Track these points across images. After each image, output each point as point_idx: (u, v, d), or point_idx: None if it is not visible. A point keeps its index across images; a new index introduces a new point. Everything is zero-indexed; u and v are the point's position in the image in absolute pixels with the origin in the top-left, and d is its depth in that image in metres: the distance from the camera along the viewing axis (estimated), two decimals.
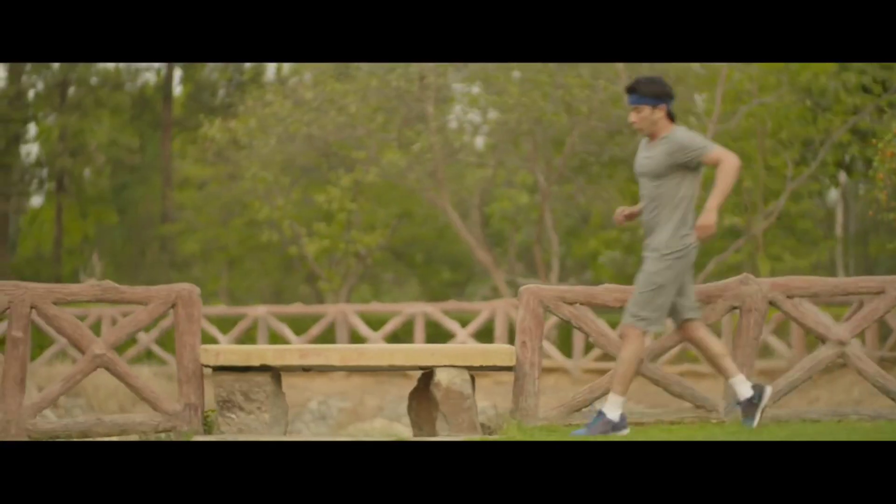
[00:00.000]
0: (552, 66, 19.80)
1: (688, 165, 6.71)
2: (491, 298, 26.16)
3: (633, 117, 6.84)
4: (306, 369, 7.36)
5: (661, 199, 6.75)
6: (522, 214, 26.65)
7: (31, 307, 7.20)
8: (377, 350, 7.23)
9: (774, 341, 16.37)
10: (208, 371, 7.34)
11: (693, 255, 6.80)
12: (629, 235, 23.25)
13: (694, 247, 6.78)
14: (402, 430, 14.31)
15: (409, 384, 17.21)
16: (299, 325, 19.74)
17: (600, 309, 7.99)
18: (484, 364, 7.11)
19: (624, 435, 6.72)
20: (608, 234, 25.80)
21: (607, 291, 7.32)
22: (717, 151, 6.68)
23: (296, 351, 7.15)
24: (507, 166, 22.08)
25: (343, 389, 16.21)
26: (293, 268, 29.43)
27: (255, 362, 7.08)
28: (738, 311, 7.34)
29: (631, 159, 21.17)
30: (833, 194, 28.00)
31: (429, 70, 20.01)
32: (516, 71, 20.06)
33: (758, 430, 6.77)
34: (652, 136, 6.83)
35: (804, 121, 19.48)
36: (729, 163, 6.63)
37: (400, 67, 19.76)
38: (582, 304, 7.32)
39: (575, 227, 27.42)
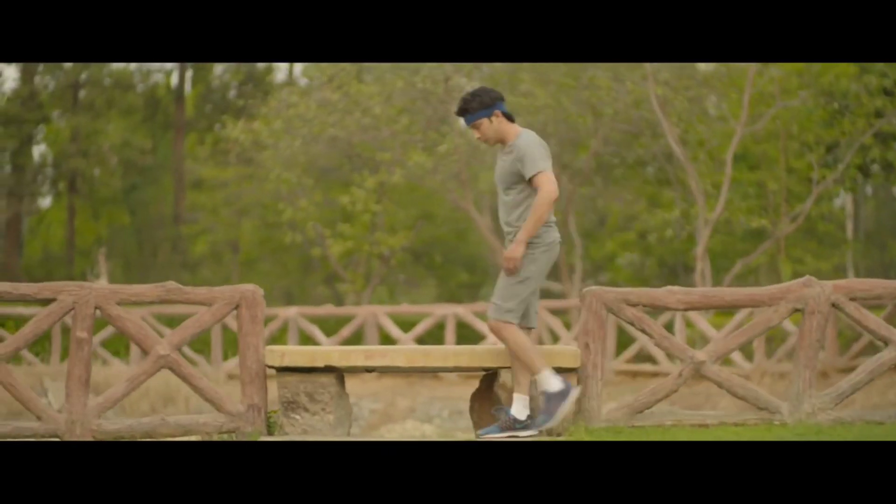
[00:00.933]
0: (578, 68, 19.82)
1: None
2: None
3: (476, 136, 6.90)
4: (370, 370, 7.37)
5: (524, 203, 6.74)
6: None
7: (96, 308, 7.22)
8: (442, 351, 7.23)
9: None
10: (270, 372, 7.37)
11: (557, 250, 6.86)
12: (651, 238, 23.23)
13: (557, 242, 6.84)
14: (434, 432, 14.34)
15: (440, 385, 17.30)
16: (328, 327, 19.76)
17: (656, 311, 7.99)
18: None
19: (575, 396, 6.76)
20: (625, 237, 25.80)
21: (670, 294, 7.33)
22: (542, 176, 6.65)
23: (361, 352, 7.16)
24: None
25: (374, 391, 16.21)
26: (310, 269, 29.45)
27: (320, 363, 7.10)
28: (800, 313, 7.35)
29: (654, 161, 21.23)
30: (841, 197, 27.95)
31: (453, 71, 20.05)
32: (525, 72, 20.02)
33: (827, 431, 6.78)
34: (503, 143, 6.88)
35: (828, 124, 19.49)
36: (545, 194, 6.62)
37: (425, 69, 19.79)
38: (644, 306, 7.33)
39: (592, 229, 27.45)
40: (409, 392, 15.78)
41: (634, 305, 7.30)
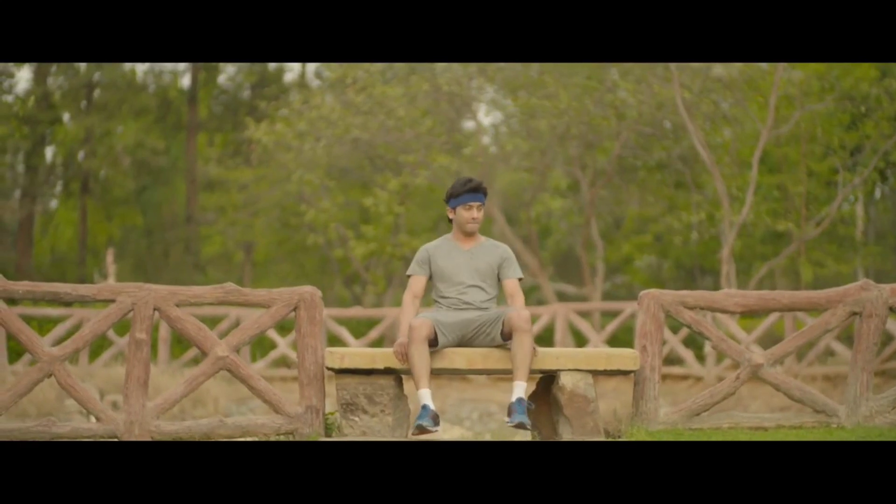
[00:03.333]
0: (600, 70, 19.84)
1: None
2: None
3: (475, 213, 7.11)
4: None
5: (491, 295, 7.19)
6: (555, 218, 26.67)
7: (155, 309, 7.25)
8: (501, 354, 7.23)
9: (838, 346, 16.40)
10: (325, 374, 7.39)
11: None
12: (676, 240, 23.25)
13: None
14: (465, 434, 14.34)
15: (469, 387, 17.30)
16: (356, 329, 19.79)
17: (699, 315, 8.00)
18: (607, 368, 7.13)
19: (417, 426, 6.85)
20: (642, 239, 25.81)
21: (727, 297, 7.35)
22: (519, 283, 7.19)
23: None
24: (538, 170, 22.14)
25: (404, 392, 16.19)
26: (328, 271, 29.48)
27: (380, 365, 7.13)
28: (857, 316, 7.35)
29: (674, 164, 21.23)
30: (850, 199, 27.89)
31: (476, 72, 20.12)
32: (548, 74, 20.04)
33: (888, 433, 6.79)
34: (473, 236, 7.19)
35: (850, 127, 19.50)
36: (523, 297, 7.18)
37: (450, 71, 19.83)
38: (702, 308, 7.34)
39: (607, 231, 27.49)
40: (438, 394, 15.72)
41: (692, 308, 7.33)
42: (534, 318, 18.20)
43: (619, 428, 7.27)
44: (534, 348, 6.90)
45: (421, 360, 6.88)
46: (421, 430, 6.77)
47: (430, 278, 7.28)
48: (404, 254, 21.84)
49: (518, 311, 6.90)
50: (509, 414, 6.82)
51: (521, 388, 6.83)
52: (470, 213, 7.10)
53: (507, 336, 6.97)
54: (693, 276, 27.24)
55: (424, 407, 6.85)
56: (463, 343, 7.12)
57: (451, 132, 20.76)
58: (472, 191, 7.07)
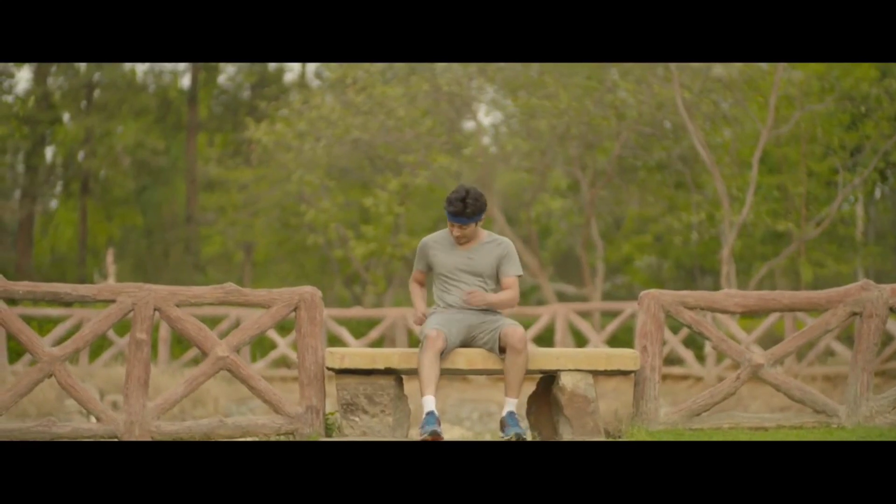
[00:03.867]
0: (601, 70, 19.84)
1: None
2: (520, 304, 26.15)
3: (457, 232, 7.08)
4: None
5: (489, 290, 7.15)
6: (555, 218, 26.66)
7: (155, 309, 7.25)
8: (500, 355, 7.23)
9: (838, 346, 16.41)
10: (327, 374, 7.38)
11: None
12: (676, 241, 23.25)
13: None
14: (465, 434, 14.35)
15: (469, 387, 17.31)
16: (357, 329, 19.79)
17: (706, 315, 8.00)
18: (608, 368, 7.14)
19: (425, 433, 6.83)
20: (642, 239, 25.83)
21: (727, 297, 7.35)
22: (518, 280, 7.18)
23: None
24: (538, 170, 22.15)
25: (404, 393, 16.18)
26: (328, 271, 29.51)
27: (380, 365, 7.13)
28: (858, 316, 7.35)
29: (674, 164, 21.24)
30: (850, 199, 27.85)
31: (476, 73, 20.11)
32: (549, 75, 20.05)
33: (888, 433, 6.80)
34: (470, 239, 7.17)
35: (850, 127, 19.49)
36: (517, 295, 7.17)
37: (450, 71, 19.83)
38: (703, 308, 7.35)
39: (607, 231, 27.51)
40: (438, 394, 15.76)
41: (692, 308, 7.32)
42: (534, 319, 18.23)
43: (620, 428, 7.27)
44: (526, 361, 6.95)
45: (431, 368, 6.89)
46: (434, 435, 6.74)
47: (431, 269, 7.30)
48: (404, 254, 21.85)
49: (514, 327, 6.94)
50: (502, 428, 6.87)
51: (512, 404, 6.94)
52: (453, 231, 7.11)
53: (503, 350, 6.99)
54: (693, 277, 27.23)
55: (431, 413, 6.83)
56: (464, 345, 7.14)
57: (451, 132, 20.77)
58: (452, 214, 7.03)
